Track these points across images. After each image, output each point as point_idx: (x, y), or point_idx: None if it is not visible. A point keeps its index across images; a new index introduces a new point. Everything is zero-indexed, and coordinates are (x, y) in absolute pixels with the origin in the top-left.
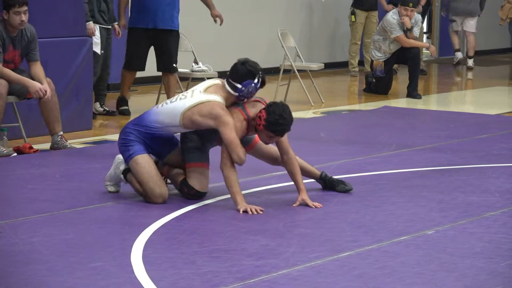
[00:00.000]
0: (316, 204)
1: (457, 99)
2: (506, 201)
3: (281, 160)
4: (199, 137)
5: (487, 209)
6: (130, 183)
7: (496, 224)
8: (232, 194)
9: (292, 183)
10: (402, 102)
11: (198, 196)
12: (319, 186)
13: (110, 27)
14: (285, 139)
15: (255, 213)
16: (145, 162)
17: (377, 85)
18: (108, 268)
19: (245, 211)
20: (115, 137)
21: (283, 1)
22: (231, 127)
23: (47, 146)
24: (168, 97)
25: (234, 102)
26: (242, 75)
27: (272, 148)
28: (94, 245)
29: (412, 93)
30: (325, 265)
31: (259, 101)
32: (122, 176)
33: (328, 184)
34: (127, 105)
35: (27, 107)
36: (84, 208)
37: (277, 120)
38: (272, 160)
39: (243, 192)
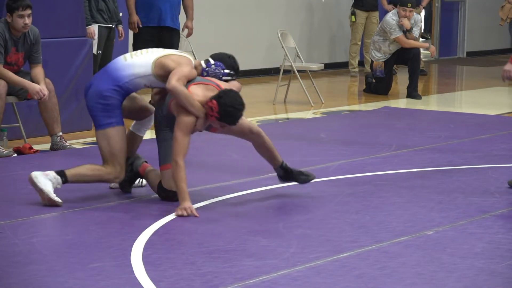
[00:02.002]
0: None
1: (457, 100)
2: (506, 202)
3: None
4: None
5: (487, 209)
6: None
7: (496, 225)
8: (178, 190)
9: (291, 183)
10: (402, 103)
11: (175, 196)
12: (322, 185)
13: (111, 26)
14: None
15: (190, 214)
16: (123, 136)
17: (377, 85)
18: (108, 269)
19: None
20: None
21: (283, 1)
22: (183, 73)
23: (47, 146)
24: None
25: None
26: (222, 58)
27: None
28: (94, 246)
29: (412, 93)
30: (325, 265)
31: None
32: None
33: (289, 175)
34: None
35: (27, 107)
36: (84, 208)
37: (230, 112)
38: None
39: (244, 192)
